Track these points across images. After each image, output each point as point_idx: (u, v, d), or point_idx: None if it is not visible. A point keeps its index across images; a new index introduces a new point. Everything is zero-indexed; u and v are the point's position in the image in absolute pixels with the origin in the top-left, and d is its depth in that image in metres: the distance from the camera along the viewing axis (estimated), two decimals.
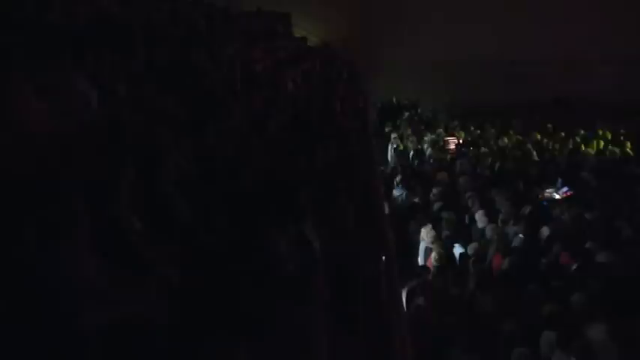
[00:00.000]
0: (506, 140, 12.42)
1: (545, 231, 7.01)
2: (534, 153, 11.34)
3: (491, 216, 7.45)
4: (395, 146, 12.00)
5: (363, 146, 7.07)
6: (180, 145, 2.35)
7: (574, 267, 5.98)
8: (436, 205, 8.15)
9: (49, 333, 1.22)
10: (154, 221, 1.83)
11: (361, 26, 16.02)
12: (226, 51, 4.98)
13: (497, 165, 10.39)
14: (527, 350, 4.59)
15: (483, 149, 11.55)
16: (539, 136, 12.69)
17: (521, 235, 6.83)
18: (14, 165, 1.36)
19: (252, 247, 2.04)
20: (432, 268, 6.19)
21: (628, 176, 9.85)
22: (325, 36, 14.40)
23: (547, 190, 9.05)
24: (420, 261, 6.89)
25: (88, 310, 1.31)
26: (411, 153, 11.56)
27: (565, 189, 9.04)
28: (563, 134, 13.02)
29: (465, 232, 7.41)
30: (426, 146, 11.90)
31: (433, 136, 12.44)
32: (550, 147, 12.16)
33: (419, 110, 16.09)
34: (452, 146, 12.16)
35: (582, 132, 13.01)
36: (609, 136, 12.64)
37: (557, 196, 8.89)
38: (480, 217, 7.40)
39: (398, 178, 9.35)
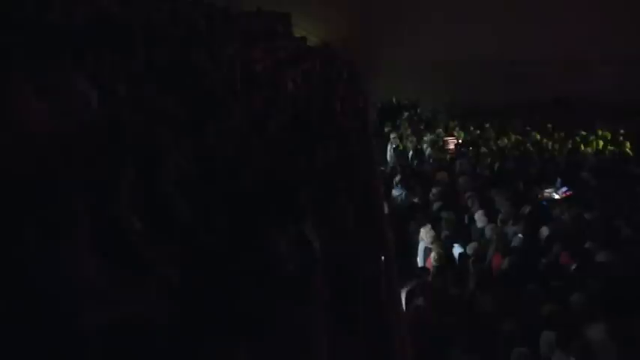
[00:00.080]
0: (505, 140, 12.43)
1: (544, 231, 7.00)
2: (534, 153, 11.36)
3: (491, 216, 7.45)
4: (394, 146, 11.98)
5: (363, 146, 7.06)
6: (180, 145, 2.35)
7: (573, 267, 5.99)
8: (435, 205, 8.14)
9: (50, 333, 1.22)
10: (153, 221, 1.83)
11: (361, 26, 16.02)
12: (226, 51, 4.98)
13: (496, 165, 10.40)
14: (527, 350, 4.59)
15: (483, 149, 11.56)
16: (538, 136, 12.70)
17: (520, 235, 6.83)
18: (14, 165, 1.36)
19: (252, 247, 2.04)
20: (431, 268, 6.18)
21: (627, 176, 9.87)
22: (325, 36, 14.41)
23: (546, 190, 9.07)
24: (420, 261, 6.89)
25: (88, 310, 1.31)
26: (411, 153, 11.56)
27: (564, 189, 9.05)
28: (562, 134, 13.03)
29: (464, 232, 7.40)
30: (425, 146, 11.90)
31: (433, 136, 12.44)
32: (549, 147, 12.18)
33: (418, 110, 16.09)
34: (451, 146, 12.19)
35: (583, 132, 13.03)
36: (609, 136, 12.65)
37: (557, 196, 8.91)
38: (479, 217, 7.40)
39: (397, 178, 9.32)
